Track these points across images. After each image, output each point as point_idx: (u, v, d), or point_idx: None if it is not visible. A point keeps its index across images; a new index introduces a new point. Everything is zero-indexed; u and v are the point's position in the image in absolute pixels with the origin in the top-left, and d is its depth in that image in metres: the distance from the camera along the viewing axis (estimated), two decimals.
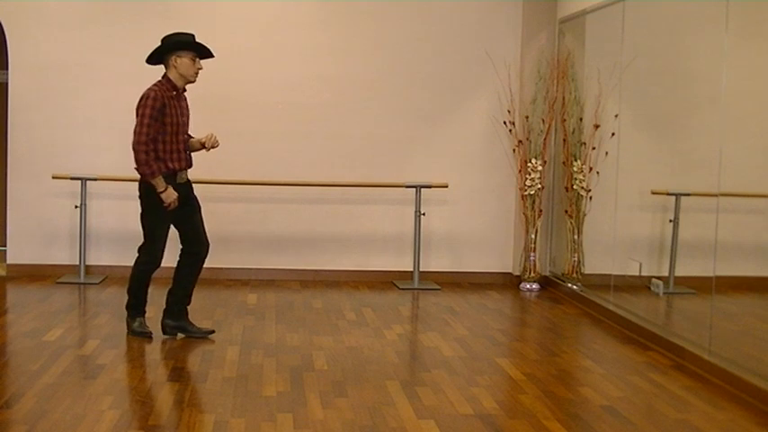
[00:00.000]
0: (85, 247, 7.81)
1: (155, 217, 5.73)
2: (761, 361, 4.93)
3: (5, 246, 8.13)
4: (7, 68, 7.98)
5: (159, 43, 5.71)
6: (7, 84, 8.01)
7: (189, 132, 5.85)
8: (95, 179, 7.74)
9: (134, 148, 5.57)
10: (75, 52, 7.94)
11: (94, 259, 7.98)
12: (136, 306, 5.84)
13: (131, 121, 7.97)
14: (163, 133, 5.58)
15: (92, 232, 7.96)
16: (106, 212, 8.00)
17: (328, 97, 8.15)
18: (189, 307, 5.92)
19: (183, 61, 5.61)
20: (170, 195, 5.63)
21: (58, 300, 7.03)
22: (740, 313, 5.64)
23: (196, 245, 5.88)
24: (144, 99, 5.59)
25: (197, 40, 5.68)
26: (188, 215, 5.81)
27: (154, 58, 5.72)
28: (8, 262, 8.03)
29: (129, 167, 7.82)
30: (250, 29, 8.06)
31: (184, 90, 5.76)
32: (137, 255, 5.88)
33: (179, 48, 5.61)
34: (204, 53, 5.68)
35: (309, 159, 8.09)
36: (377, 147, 8.18)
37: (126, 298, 5.89)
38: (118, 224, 8.03)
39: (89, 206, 7.84)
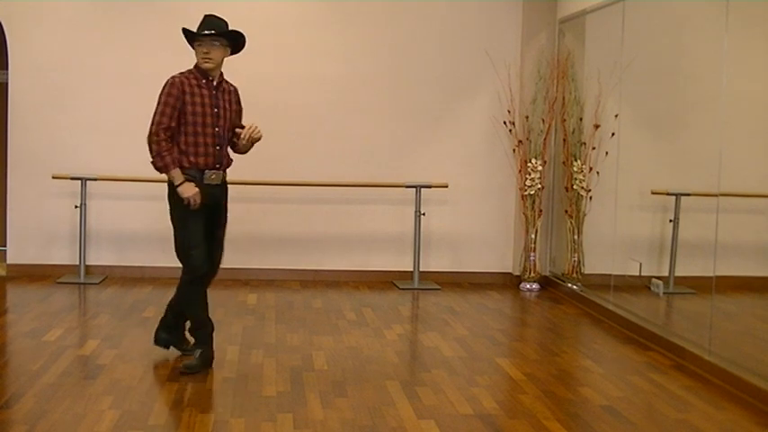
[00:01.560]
0: (85, 247, 7.81)
1: (184, 220, 5.09)
2: (761, 361, 4.93)
3: (5, 246, 8.13)
4: (7, 68, 7.98)
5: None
6: (7, 84, 8.00)
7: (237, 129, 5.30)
8: (95, 179, 7.74)
9: (147, 139, 5.03)
10: (76, 52, 7.94)
11: (94, 259, 7.98)
12: (204, 326, 5.22)
13: (131, 120, 8.03)
14: (184, 124, 5.04)
15: (92, 232, 7.96)
16: (106, 212, 8.01)
17: (328, 97, 8.15)
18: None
19: (196, 50, 5.16)
20: (188, 189, 5.01)
21: (58, 300, 7.03)
22: (740, 313, 5.65)
23: (212, 263, 5.29)
24: (163, 86, 5.09)
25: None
26: (209, 229, 5.19)
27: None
28: (8, 262, 8.03)
29: (129, 167, 7.88)
30: (250, 29, 7.99)
31: (226, 82, 5.30)
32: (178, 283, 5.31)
33: (188, 38, 5.23)
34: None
35: (309, 159, 8.09)
36: (377, 147, 8.18)
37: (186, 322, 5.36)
38: (118, 224, 8.03)
39: (89, 206, 7.84)
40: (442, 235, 8.29)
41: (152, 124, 5.03)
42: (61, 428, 4.06)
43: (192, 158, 5.06)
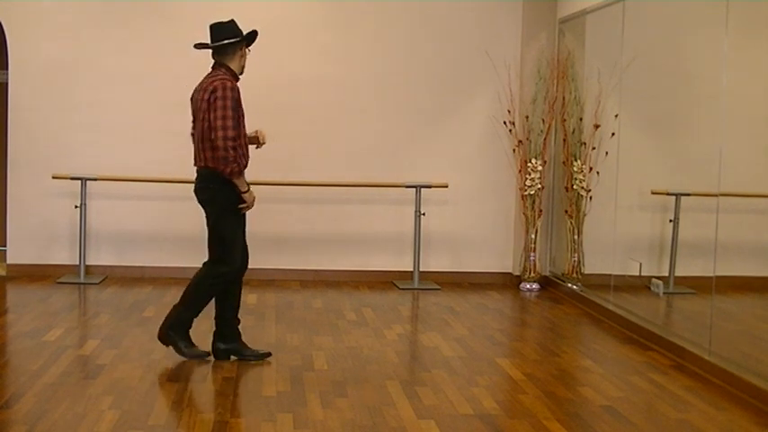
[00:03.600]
0: (85, 247, 7.81)
1: (231, 220, 5.22)
2: (761, 361, 4.93)
3: (5, 246, 8.13)
4: (7, 68, 7.98)
5: (208, 33, 5.35)
6: (7, 84, 8.01)
7: None
8: (95, 179, 7.74)
9: (221, 145, 5.00)
10: (75, 52, 7.94)
11: (94, 259, 7.98)
12: (188, 322, 5.28)
13: (131, 120, 8.04)
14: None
15: (92, 232, 7.96)
16: (106, 212, 8.01)
17: (328, 97, 8.15)
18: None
19: (242, 54, 5.30)
20: (252, 195, 5.23)
21: (58, 300, 7.03)
22: (740, 313, 5.65)
23: (245, 260, 5.48)
24: (221, 90, 5.04)
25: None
26: (244, 229, 5.37)
27: (218, 45, 5.24)
28: (8, 262, 8.03)
29: (129, 167, 7.88)
30: (250, 29, 8.05)
31: None
32: (205, 267, 5.31)
33: (251, 40, 5.35)
34: (250, 40, 5.38)
35: (309, 159, 8.09)
36: (377, 147, 8.18)
37: (173, 312, 5.32)
38: (118, 224, 8.04)
39: (89, 206, 7.84)
40: (442, 235, 8.29)
41: (224, 129, 5.03)
42: (61, 428, 4.06)
43: (244, 161, 5.21)
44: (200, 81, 5.33)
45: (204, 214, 5.33)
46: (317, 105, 8.11)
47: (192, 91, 5.37)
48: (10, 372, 5.04)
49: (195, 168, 5.29)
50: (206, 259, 5.36)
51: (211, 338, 5.37)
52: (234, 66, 5.29)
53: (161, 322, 5.38)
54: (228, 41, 5.24)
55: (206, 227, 5.31)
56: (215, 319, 5.40)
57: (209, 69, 5.35)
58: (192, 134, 5.33)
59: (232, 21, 5.35)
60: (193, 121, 5.32)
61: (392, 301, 7.34)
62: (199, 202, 5.32)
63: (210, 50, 5.35)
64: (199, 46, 5.39)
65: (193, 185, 5.32)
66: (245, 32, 5.34)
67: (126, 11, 7.95)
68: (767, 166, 5.24)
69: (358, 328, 6.26)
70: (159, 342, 5.34)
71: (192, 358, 5.25)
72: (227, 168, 5.06)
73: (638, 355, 5.74)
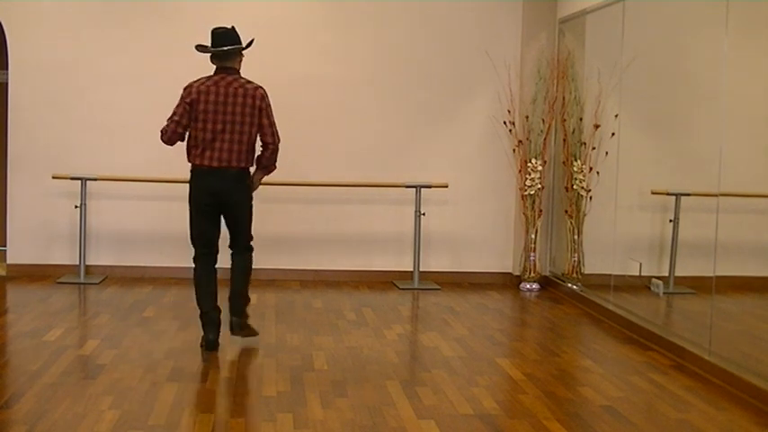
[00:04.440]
0: (85, 247, 7.81)
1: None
2: (761, 361, 4.93)
3: (5, 246, 8.13)
4: (7, 68, 7.98)
5: (233, 38, 5.60)
6: (7, 84, 8.01)
7: None
8: (95, 179, 7.74)
9: (278, 147, 5.57)
10: (75, 52, 7.94)
11: (94, 259, 7.98)
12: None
13: (131, 120, 8.03)
14: None
15: (92, 232, 7.96)
16: (106, 212, 8.01)
17: (328, 97, 8.15)
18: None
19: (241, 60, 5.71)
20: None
21: (58, 300, 7.03)
22: (740, 313, 5.65)
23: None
24: (266, 96, 5.52)
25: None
26: None
27: (231, 49, 5.52)
28: (8, 262, 8.03)
29: (129, 167, 7.88)
30: (250, 29, 8.01)
31: None
32: (246, 254, 5.71)
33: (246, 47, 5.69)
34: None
35: (309, 159, 8.09)
36: (377, 147, 8.18)
37: (241, 301, 5.73)
38: (118, 224, 8.04)
39: (89, 206, 7.84)
40: (442, 235, 8.29)
41: (277, 132, 5.56)
42: (61, 428, 4.06)
43: None
44: (206, 82, 5.45)
45: (222, 214, 5.57)
46: (316, 105, 8.11)
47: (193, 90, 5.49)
48: (10, 372, 5.04)
49: (214, 168, 5.42)
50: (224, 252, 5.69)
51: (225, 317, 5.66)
52: (239, 70, 5.57)
53: (232, 319, 5.65)
54: (241, 47, 5.56)
55: (234, 222, 5.62)
56: (230, 298, 5.67)
57: (214, 72, 5.51)
58: (204, 133, 5.41)
59: (234, 28, 5.62)
60: (208, 122, 5.41)
61: (392, 301, 7.34)
62: (227, 202, 5.51)
63: (209, 54, 5.52)
64: (210, 49, 5.50)
65: (218, 187, 5.46)
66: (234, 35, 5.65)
67: (126, 11, 7.95)
68: (767, 166, 5.24)
69: (358, 328, 6.26)
70: (236, 336, 5.65)
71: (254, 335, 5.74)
72: (274, 167, 5.69)
73: (638, 355, 5.74)
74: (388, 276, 8.20)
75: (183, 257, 8.01)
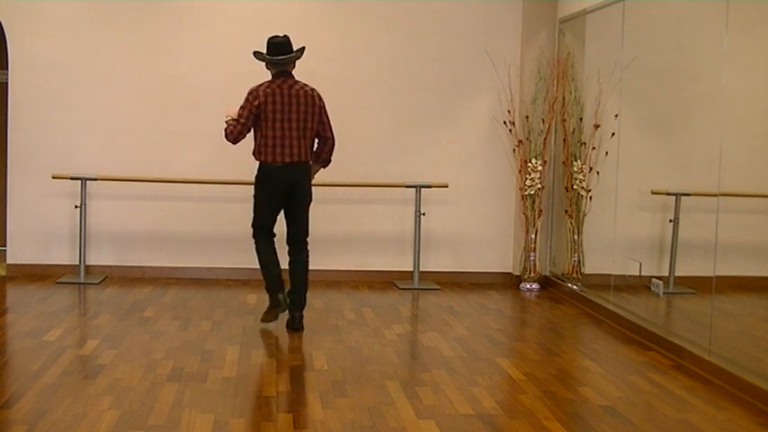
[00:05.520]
0: (85, 247, 7.81)
1: None
2: (761, 361, 4.93)
3: (5, 246, 8.13)
4: (7, 68, 7.98)
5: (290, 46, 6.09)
6: (7, 84, 8.01)
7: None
8: (95, 179, 7.74)
9: (335, 142, 6.13)
10: (76, 52, 7.94)
11: (94, 259, 7.98)
12: None
13: (131, 120, 8.03)
14: None
15: (92, 232, 7.96)
16: (106, 212, 8.01)
17: (328, 97, 8.08)
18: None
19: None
20: None
21: (58, 300, 7.03)
22: (740, 313, 5.65)
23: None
24: (322, 96, 6.15)
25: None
26: None
27: (289, 59, 6.08)
28: (8, 262, 8.03)
29: (129, 167, 7.88)
30: (250, 29, 8.06)
31: None
32: (306, 249, 6.24)
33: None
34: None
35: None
36: (377, 147, 8.18)
37: (305, 295, 6.21)
38: (118, 224, 8.04)
39: (89, 206, 7.84)
40: (442, 235, 8.29)
41: (333, 129, 6.13)
42: (61, 428, 4.06)
43: None
44: (270, 86, 5.97)
45: (287, 205, 6.12)
46: None
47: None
48: (10, 372, 5.04)
49: (286, 163, 5.96)
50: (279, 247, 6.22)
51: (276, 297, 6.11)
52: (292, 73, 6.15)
53: (296, 314, 6.11)
54: (298, 56, 6.12)
55: (298, 213, 6.15)
56: (292, 292, 6.14)
57: (272, 77, 6.06)
58: (274, 131, 5.94)
59: (287, 38, 6.10)
60: (276, 121, 5.93)
61: (392, 301, 7.34)
62: (298, 192, 6.07)
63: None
64: (269, 58, 6.01)
65: (292, 180, 6.01)
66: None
67: (126, 11, 7.95)
68: (767, 166, 5.23)
69: (358, 328, 6.26)
70: (294, 332, 6.05)
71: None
72: (330, 163, 6.21)
73: (638, 355, 5.74)
74: (388, 276, 8.20)
75: (183, 257, 8.07)
